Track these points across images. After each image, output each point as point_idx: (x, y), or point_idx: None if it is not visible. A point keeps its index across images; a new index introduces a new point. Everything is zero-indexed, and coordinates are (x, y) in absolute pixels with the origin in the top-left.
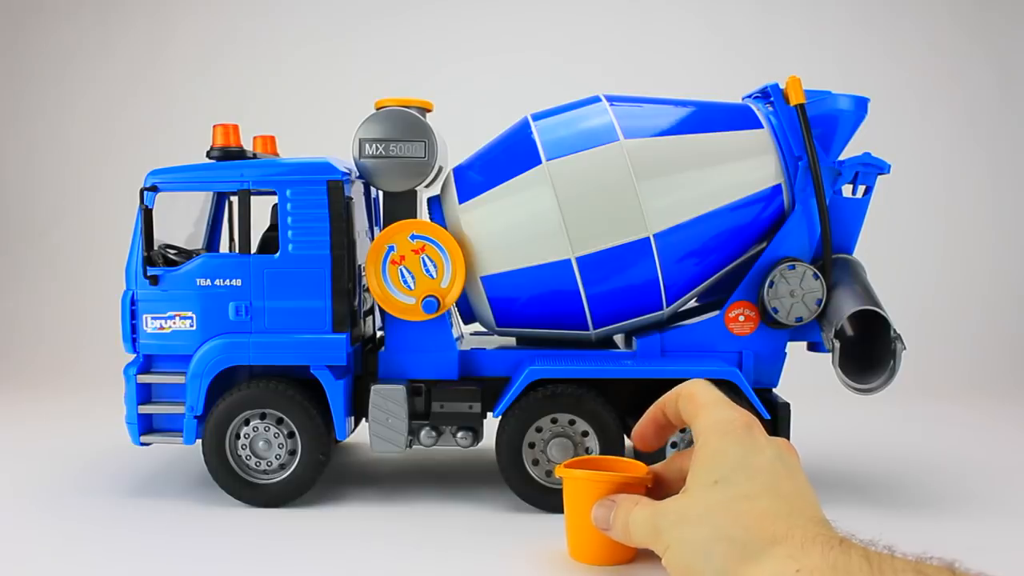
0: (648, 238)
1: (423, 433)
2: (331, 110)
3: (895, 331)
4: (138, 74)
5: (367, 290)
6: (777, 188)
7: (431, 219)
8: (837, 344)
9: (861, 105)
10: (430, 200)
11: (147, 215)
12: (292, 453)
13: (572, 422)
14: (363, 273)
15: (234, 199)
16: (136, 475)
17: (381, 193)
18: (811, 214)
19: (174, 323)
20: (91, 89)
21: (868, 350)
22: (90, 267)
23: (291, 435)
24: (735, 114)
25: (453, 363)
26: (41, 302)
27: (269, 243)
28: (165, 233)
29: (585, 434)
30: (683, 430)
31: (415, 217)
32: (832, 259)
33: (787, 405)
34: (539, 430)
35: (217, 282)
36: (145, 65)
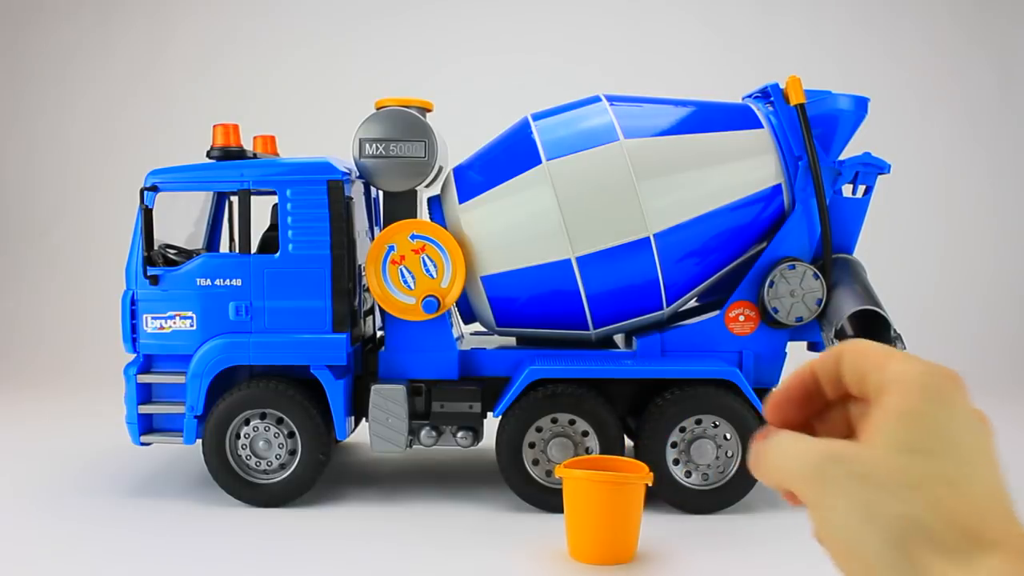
0: (648, 238)
1: (423, 433)
2: (331, 110)
3: (895, 331)
4: (138, 74)
5: (367, 290)
6: (777, 188)
7: (431, 219)
8: (837, 344)
9: (861, 105)
10: (430, 200)
11: (147, 215)
12: (292, 453)
13: (572, 422)
14: (363, 273)
15: (234, 199)
16: (136, 475)
17: (381, 193)
18: (811, 214)
19: (174, 323)
20: (91, 89)
21: None
22: (90, 267)
23: (291, 435)
24: (735, 114)
25: (453, 363)
26: (41, 302)
27: (269, 243)
28: (165, 233)
29: (585, 434)
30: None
31: (415, 217)
32: (832, 259)
33: None
34: (539, 430)
35: (217, 282)
36: (145, 65)
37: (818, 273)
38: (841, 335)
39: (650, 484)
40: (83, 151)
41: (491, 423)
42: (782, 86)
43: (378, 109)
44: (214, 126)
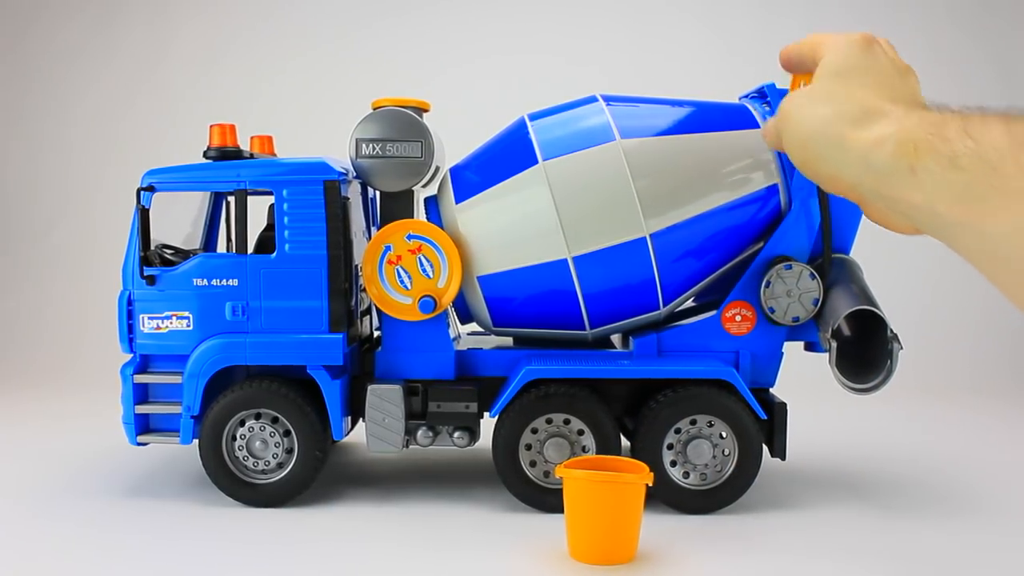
0: (644, 238)
1: (420, 433)
2: (329, 110)
3: (892, 331)
4: (139, 75)
5: (364, 290)
6: (773, 188)
7: (428, 219)
8: (834, 344)
9: None
10: (427, 200)
11: (144, 215)
12: (289, 452)
13: (567, 421)
14: (360, 273)
15: (231, 199)
16: (133, 475)
17: (378, 193)
18: (808, 214)
19: (171, 323)
20: (92, 90)
21: (865, 350)
22: (90, 267)
23: (287, 434)
24: (732, 114)
25: (450, 363)
26: (41, 302)
27: (266, 243)
28: (162, 233)
29: (581, 433)
30: (680, 426)
31: (412, 217)
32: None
33: (784, 405)
34: (535, 431)
35: (214, 282)
36: (146, 66)
37: (815, 273)
38: (837, 335)
39: (650, 484)
40: (84, 151)
41: (488, 423)
42: (779, 86)
43: (375, 109)
44: (211, 126)
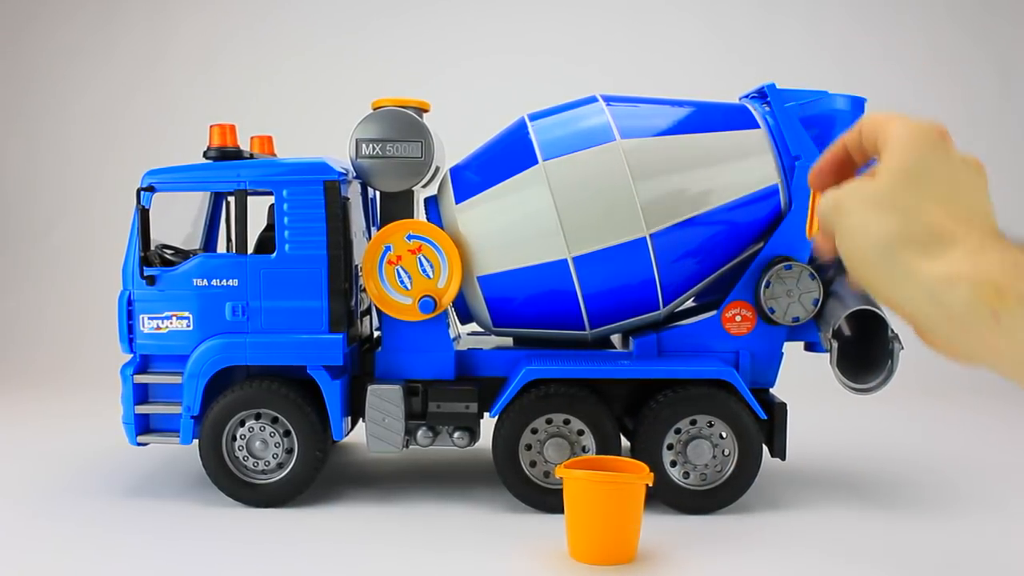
0: (644, 238)
1: (420, 433)
2: (329, 110)
3: (892, 331)
4: (139, 74)
5: (364, 290)
6: (774, 188)
7: (428, 219)
8: (835, 344)
9: (858, 105)
10: (427, 200)
11: (144, 215)
12: (289, 452)
13: (567, 421)
14: (360, 273)
15: (231, 199)
16: (133, 475)
17: (378, 193)
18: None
19: (171, 323)
20: (92, 89)
21: (866, 350)
22: (90, 267)
23: (287, 434)
24: (732, 114)
25: (450, 363)
26: (41, 302)
27: (266, 243)
28: (163, 233)
29: (580, 433)
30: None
31: (412, 217)
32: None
33: (784, 405)
34: (535, 431)
35: (214, 282)
36: (146, 65)
37: (814, 273)
38: (838, 335)
39: (650, 484)
40: (84, 151)
41: (488, 423)
42: (779, 86)
43: (375, 109)
44: (211, 126)
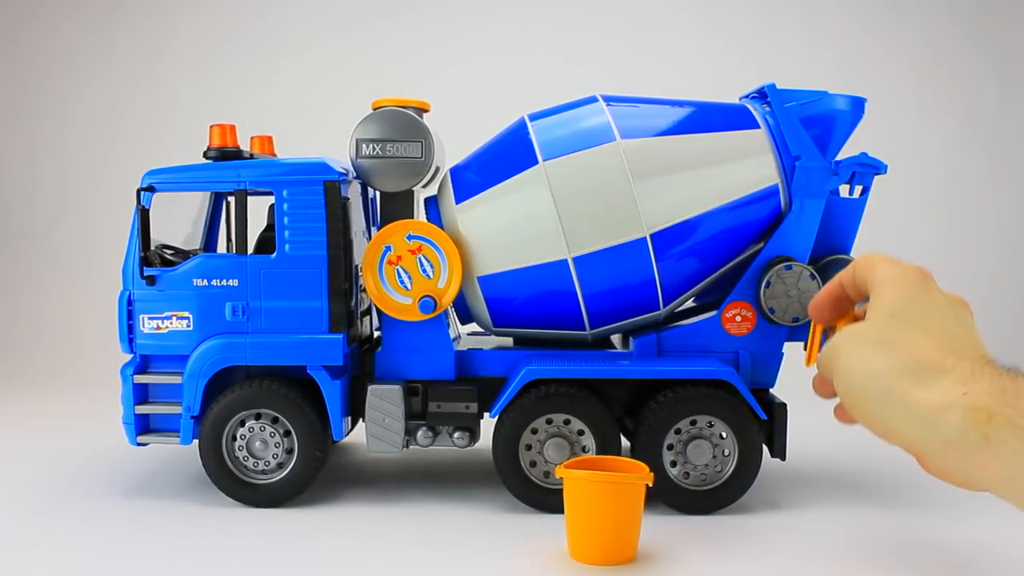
0: (645, 238)
1: (420, 433)
2: (329, 110)
3: None
4: (139, 74)
5: (364, 290)
6: (774, 188)
7: (428, 219)
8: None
9: (858, 105)
10: (427, 200)
11: (144, 215)
12: (289, 452)
13: (567, 422)
14: (360, 273)
15: (231, 199)
16: (133, 475)
17: (378, 193)
18: (808, 214)
19: (171, 323)
20: (92, 89)
21: None
22: (90, 267)
23: (287, 434)
24: (732, 114)
25: (450, 363)
26: (41, 302)
27: (266, 243)
28: (163, 233)
29: (581, 433)
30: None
31: (412, 217)
32: (830, 259)
33: (784, 405)
34: (535, 431)
35: (214, 282)
36: (145, 65)
37: (815, 273)
38: None
39: (650, 484)
40: (84, 151)
41: (488, 423)
42: (779, 86)
43: (375, 109)
44: (211, 126)
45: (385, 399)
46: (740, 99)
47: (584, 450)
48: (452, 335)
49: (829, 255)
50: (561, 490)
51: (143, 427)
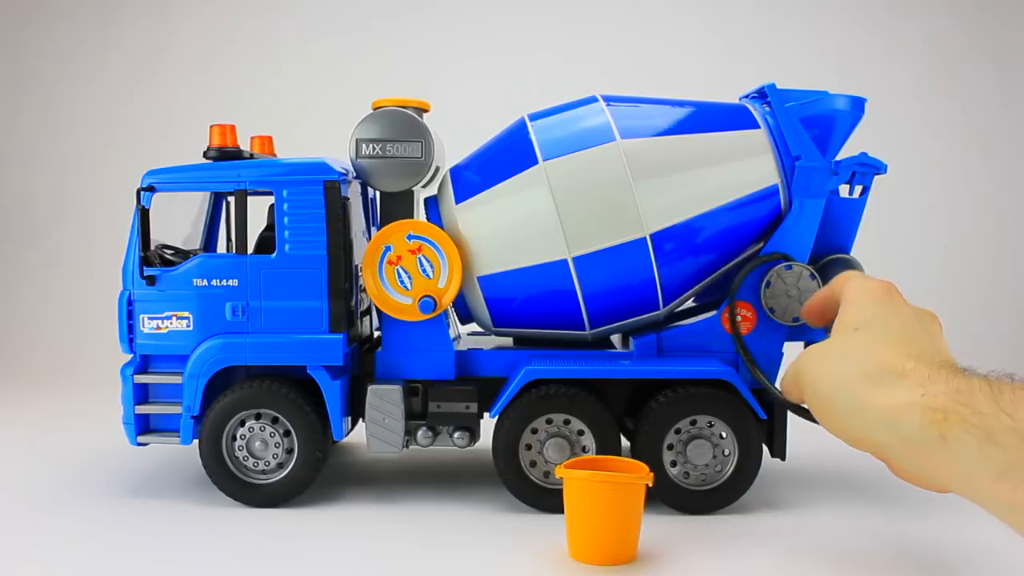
0: (645, 238)
1: (420, 433)
2: (329, 110)
3: None
4: (138, 74)
5: (364, 290)
6: (774, 188)
7: (428, 219)
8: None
9: (858, 105)
10: (427, 200)
11: (144, 215)
12: (289, 452)
13: (567, 422)
14: (360, 273)
15: (231, 199)
16: (133, 475)
17: (378, 193)
18: (808, 214)
19: (171, 323)
20: (91, 89)
21: None
22: (90, 267)
23: (287, 434)
24: (732, 114)
25: (450, 363)
26: (41, 302)
27: (266, 243)
28: (162, 233)
29: (581, 433)
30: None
31: (412, 217)
32: (830, 259)
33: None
34: (535, 431)
35: (214, 282)
36: (145, 65)
37: (815, 273)
38: None
39: (650, 484)
40: (83, 151)
41: (488, 423)
42: (779, 86)
43: (375, 109)
44: (211, 126)
45: (385, 399)
46: (740, 99)
47: (584, 450)
48: (452, 335)
49: (829, 255)
50: (561, 490)
51: (143, 427)
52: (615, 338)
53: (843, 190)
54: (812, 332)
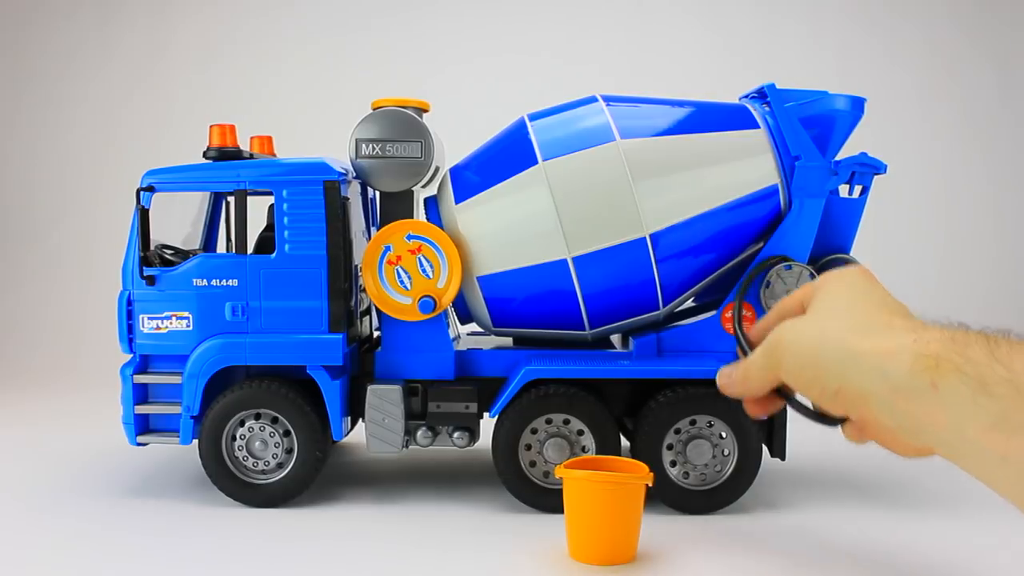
0: (644, 238)
1: (419, 433)
2: (329, 110)
3: None
4: (138, 74)
5: (364, 290)
6: (774, 188)
7: (428, 219)
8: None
9: (858, 105)
10: (427, 200)
11: (143, 215)
12: (289, 452)
13: (567, 421)
14: (360, 273)
15: (231, 199)
16: (133, 475)
17: (378, 193)
18: (808, 214)
19: (171, 323)
20: (91, 89)
21: None
22: (90, 267)
23: (287, 434)
24: (732, 114)
25: (449, 363)
26: (41, 302)
27: (266, 243)
28: (162, 233)
29: (580, 433)
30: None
31: (412, 217)
32: (829, 259)
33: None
34: (535, 431)
35: (214, 282)
36: (145, 65)
37: (815, 273)
38: None
39: (650, 484)
40: (83, 151)
41: (488, 423)
42: (779, 86)
43: (375, 109)
44: (210, 126)
45: (385, 399)
46: (740, 99)
47: (584, 450)
48: (452, 335)
49: (829, 255)
50: (561, 490)
51: (143, 427)
52: (615, 338)
53: (843, 190)
54: None
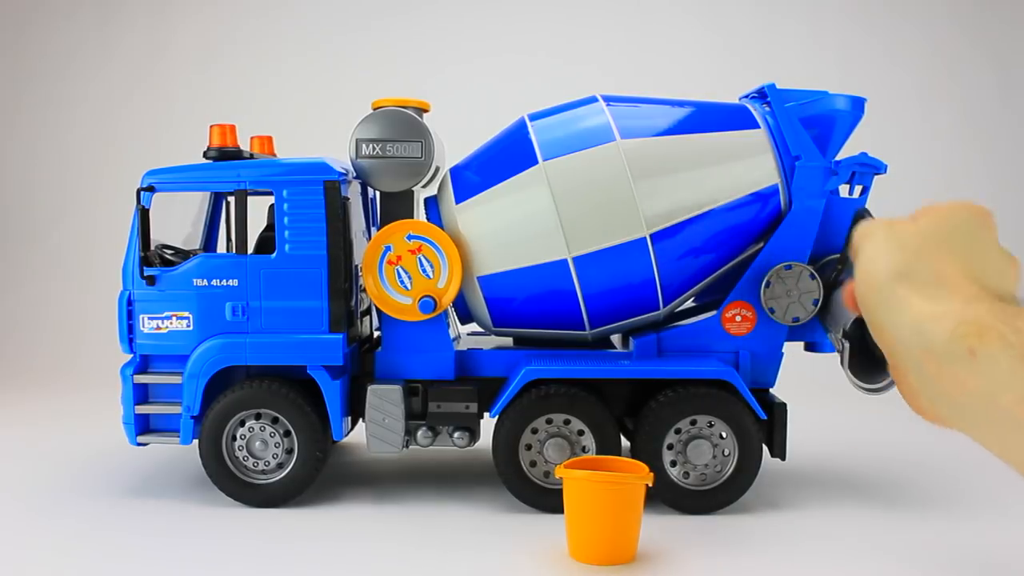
0: (645, 238)
1: (420, 433)
2: (329, 110)
3: None
4: (139, 75)
5: (364, 290)
6: (774, 188)
7: (428, 219)
8: (846, 344)
9: (858, 105)
10: (427, 200)
11: (144, 215)
12: (289, 452)
13: (567, 422)
14: (360, 273)
15: (231, 199)
16: (133, 475)
17: (378, 193)
18: (808, 214)
19: (171, 323)
20: (91, 89)
21: (874, 350)
22: (90, 267)
23: (287, 434)
24: (732, 114)
25: (450, 363)
26: (41, 302)
27: (266, 243)
28: (162, 233)
29: (581, 433)
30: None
31: (412, 217)
32: (830, 259)
33: (784, 405)
34: (535, 431)
35: (214, 282)
36: (145, 65)
37: (814, 273)
38: (848, 335)
39: (650, 484)
40: (83, 151)
41: (488, 423)
42: (779, 86)
43: (375, 109)
44: (211, 126)
45: (385, 399)
46: (740, 99)
47: (584, 450)
48: (452, 335)
49: (829, 255)
50: (561, 490)
51: (143, 427)
52: (615, 338)
53: (843, 190)
54: (813, 332)
